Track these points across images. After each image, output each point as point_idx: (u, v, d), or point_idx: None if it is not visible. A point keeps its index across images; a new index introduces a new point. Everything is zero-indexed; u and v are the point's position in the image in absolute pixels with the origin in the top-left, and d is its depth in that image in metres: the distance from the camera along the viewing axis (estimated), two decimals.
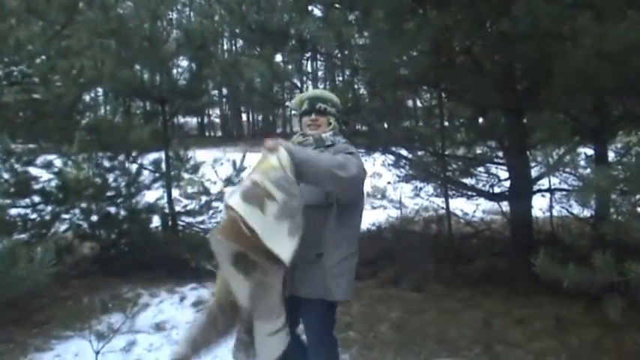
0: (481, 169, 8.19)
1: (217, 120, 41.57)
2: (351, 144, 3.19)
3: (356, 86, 7.82)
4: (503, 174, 7.62)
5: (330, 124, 3.23)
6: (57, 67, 6.14)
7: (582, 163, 4.76)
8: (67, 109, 6.52)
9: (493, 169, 8.02)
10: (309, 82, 14.87)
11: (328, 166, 2.79)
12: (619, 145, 7.15)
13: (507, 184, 7.23)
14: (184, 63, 10.31)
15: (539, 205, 7.67)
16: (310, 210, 2.90)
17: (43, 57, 6.39)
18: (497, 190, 7.84)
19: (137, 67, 9.42)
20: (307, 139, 3.18)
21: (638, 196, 3.84)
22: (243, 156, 8.30)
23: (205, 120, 40.78)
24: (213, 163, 8.57)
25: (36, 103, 6.25)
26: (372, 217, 9.93)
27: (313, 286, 3.07)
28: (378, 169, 11.08)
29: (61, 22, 6.37)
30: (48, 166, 7.23)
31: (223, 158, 8.66)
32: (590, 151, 6.32)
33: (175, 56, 9.30)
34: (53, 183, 7.24)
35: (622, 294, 3.34)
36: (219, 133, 39.11)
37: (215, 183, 8.59)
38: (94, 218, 7.78)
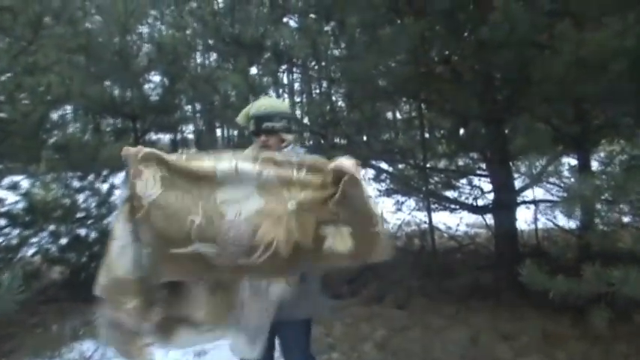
0: (464, 181, 8.22)
1: (191, 136, 41.49)
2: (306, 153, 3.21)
3: (334, 98, 7.86)
4: (487, 186, 7.65)
5: (284, 140, 3.19)
6: (23, 84, 6.10)
7: (566, 173, 4.80)
8: (34, 127, 6.45)
9: (476, 180, 8.06)
10: (286, 95, 14.93)
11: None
12: (602, 154, 7.23)
13: (491, 196, 7.27)
14: (156, 78, 10.31)
15: (523, 217, 7.70)
16: None
17: (9, 74, 6.33)
18: (480, 202, 7.87)
19: (107, 82, 9.39)
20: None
21: (622, 206, 3.89)
22: None
23: (178, 136, 40.73)
24: None
25: (1, 122, 6.17)
26: None
27: (299, 307, 3.06)
28: None
29: (28, 37, 6.32)
30: (14, 187, 7.15)
31: None
32: (573, 161, 6.38)
33: (147, 71, 9.29)
34: (20, 205, 7.15)
35: (608, 305, 3.37)
36: (193, 150, 38.95)
37: None
38: (64, 241, 7.69)
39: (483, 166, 7.58)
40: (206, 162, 2.73)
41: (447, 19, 5.11)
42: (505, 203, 6.57)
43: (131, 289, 2.75)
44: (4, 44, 6.59)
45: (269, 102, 3.25)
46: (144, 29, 10.97)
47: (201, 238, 2.64)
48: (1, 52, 6.28)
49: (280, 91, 9.25)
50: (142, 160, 2.74)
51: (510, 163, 6.48)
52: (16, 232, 7.19)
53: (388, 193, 9.02)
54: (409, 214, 9.08)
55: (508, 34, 4.32)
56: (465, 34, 5.42)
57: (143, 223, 2.69)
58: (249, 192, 2.67)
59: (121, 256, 2.77)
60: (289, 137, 3.20)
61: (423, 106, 7.71)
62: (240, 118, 3.26)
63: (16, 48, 6.50)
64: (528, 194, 7.19)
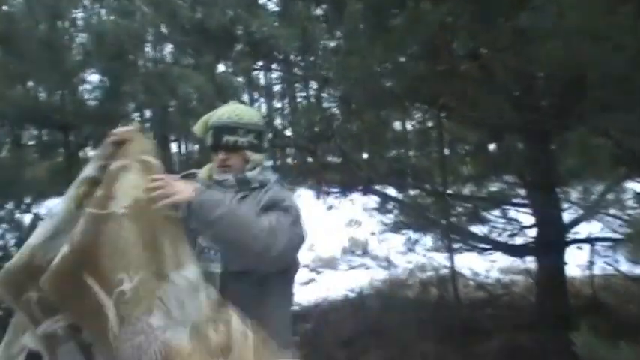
0: (496, 212, 8.19)
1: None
2: (283, 185, 3.12)
3: (326, 103, 7.83)
4: (526, 219, 7.63)
5: (248, 160, 3.07)
6: None
7: (630, 202, 4.75)
8: None
9: (512, 212, 8.02)
10: (262, 99, 14.91)
11: (250, 236, 2.69)
12: None
13: (532, 232, 7.22)
14: (95, 77, 10.26)
15: (574, 260, 7.66)
16: (234, 277, 2.85)
17: None
18: (518, 240, 7.83)
19: (31, 82, 9.33)
20: (227, 180, 3.06)
21: None
22: None
23: None
24: None
25: None
26: (350, 279, 9.91)
27: None
28: (357, 216, 11.06)
29: None
30: None
31: None
32: None
33: (83, 68, 9.24)
34: None
35: None
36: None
37: None
38: None
39: (522, 193, 7.54)
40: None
41: (474, 1, 5.08)
42: (551, 242, 6.53)
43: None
44: None
45: (234, 109, 3.14)
46: (79, 14, 10.97)
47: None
48: None
49: (256, 94, 9.20)
50: (138, 152, 2.78)
51: (558, 190, 6.44)
52: None
53: (397, 227, 8.99)
54: (424, 255, 9.04)
55: (556, 21, 4.28)
56: (499, 21, 5.39)
57: (93, 226, 2.60)
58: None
59: (49, 241, 2.74)
60: (256, 157, 3.10)
61: (442, 114, 7.67)
62: (197, 128, 3.16)
63: None
64: (581, 230, 7.15)
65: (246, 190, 3.02)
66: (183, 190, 2.69)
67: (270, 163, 3.30)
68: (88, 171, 2.85)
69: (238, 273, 2.83)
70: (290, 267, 3.05)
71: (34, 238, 2.77)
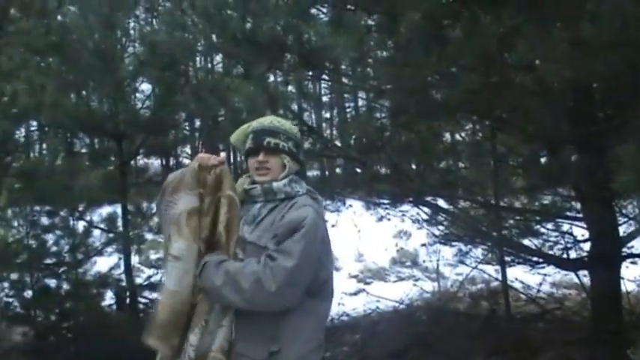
0: (549, 225, 8.10)
1: (187, 161, 41.67)
2: (316, 197, 3.08)
3: (377, 114, 7.82)
4: (581, 233, 7.54)
5: (285, 165, 3.03)
6: None
7: None
8: None
9: (566, 226, 7.94)
10: (311, 109, 14.95)
11: (233, 291, 2.76)
12: None
13: (586, 246, 7.14)
14: (147, 87, 10.40)
15: (631, 275, 7.55)
16: None
17: None
18: (572, 254, 7.74)
19: (85, 92, 9.48)
20: (254, 189, 3.02)
21: None
22: None
23: (172, 162, 40.91)
24: None
25: None
26: (399, 291, 9.85)
27: None
28: (407, 227, 11.02)
29: None
30: None
31: None
32: None
33: (135, 78, 9.37)
34: None
35: None
36: None
37: None
38: (28, 294, 7.72)
39: (577, 206, 7.45)
40: None
41: (531, 10, 5.04)
42: (606, 256, 6.44)
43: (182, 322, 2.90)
44: None
45: (275, 117, 3.20)
46: (132, 24, 11.11)
47: None
48: None
49: (305, 104, 9.25)
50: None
51: (614, 203, 6.36)
52: None
53: (447, 239, 8.94)
54: (475, 267, 8.97)
55: (617, 31, 4.23)
56: (555, 31, 5.35)
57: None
58: None
59: (181, 281, 2.90)
60: (292, 165, 3.05)
61: (495, 125, 7.63)
62: (234, 135, 3.16)
63: None
64: (637, 245, 7.05)
65: (272, 200, 2.99)
66: None
67: (301, 179, 3.23)
68: (189, 202, 2.93)
69: None
70: (310, 285, 2.93)
71: (173, 285, 2.88)
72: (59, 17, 8.75)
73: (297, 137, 3.12)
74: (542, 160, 7.95)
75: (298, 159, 3.10)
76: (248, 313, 2.78)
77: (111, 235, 8.39)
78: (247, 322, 2.77)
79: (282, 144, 3.01)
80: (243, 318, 2.82)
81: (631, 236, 6.57)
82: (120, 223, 8.34)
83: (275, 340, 2.84)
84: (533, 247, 7.97)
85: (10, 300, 7.73)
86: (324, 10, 7.49)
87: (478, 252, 8.93)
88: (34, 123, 12.00)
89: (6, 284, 7.65)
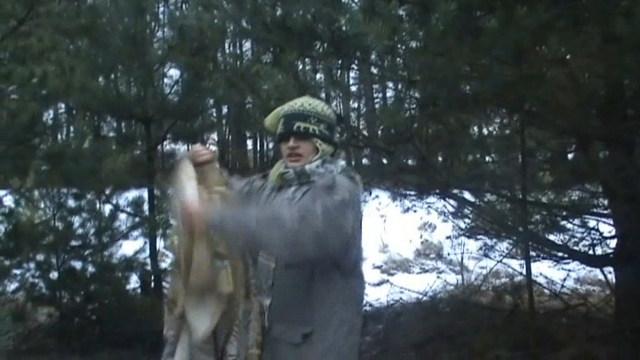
0: (576, 221, 8.06)
1: (214, 147, 41.78)
2: (351, 174, 3.02)
3: (406, 105, 7.81)
4: (607, 229, 7.51)
5: (318, 149, 3.01)
6: (13, 74, 6.21)
7: None
8: (23, 130, 6.57)
9: (593, 222, 7.90)
10: (340, 99, 14.93)
11: (280, 232, 2.68)
12: None
13: (613, 243, 7.11)
14: (175, 72, 10.45)
15: None
16: (288, 272, 2.86)
17: None
18: (598, 251, 7.71)
19: (114, 76, 9.54)
20: (287, 173, 3.03)
21: None
22: None
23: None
24: None
25: None
26: (422, 283, 9.85)
27: None
28: (433, 219, 11.02)
29: (19, 15, 6.46)
30: None
31: None
32: None
33: (164, 62, 9.41)
34: (1, 227, 7.29)
35: None
36: (217, 165, 39.20)
37: None
38: (54, 275, 7.80)
39: (604, 202, 7.42)
40: None
41: (566, 3, 5.03)
42: (632, 253, 6.41)
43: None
44: None
45: (307, 100, 3.14)
46: (162, 9, 11.17)
47: None
48: None
49: (337, 92, 9.25)
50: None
51: None
52: None
53: (472, 232, 8.92)
54: (500, 261, 8.95)
55: None
56: (589, 26, 5.33)
57: None
58: None
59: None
60: (326, 148, 3.03)
61: (524, 119, 7.61)
62: (268, 119, 3.17)
63: (3, 29, 6.65)
64: None
65: (307, 182, 2.96)
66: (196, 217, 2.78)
67: (340, 160, 3.23)
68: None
69: (288, 267, 2.84)
70: (342, 259, 2.94)
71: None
72: (89, 0, 8.83)
73: (329, 119, 3.09)
74: (571, 155, 7.93)
75: (332, 141, 3.09)
76: (281, 296, 2.81)
77: (137, 219, 8.45)
78: (281, 306, 2.81)
79: (313, 127, 3.00)
80: (277, 301, 2.86)
81: None
82: (146, 207, 8.39)
83: (308, 323, 2.86)
84: (559, 243, 7.94)
85: (36, 281, 7.82)
86: None
87: (503, 246, 8.90)
88: (62, 105, 12.13)
89: (32, 265, 7.75)
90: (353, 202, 2.85)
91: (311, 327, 2.86)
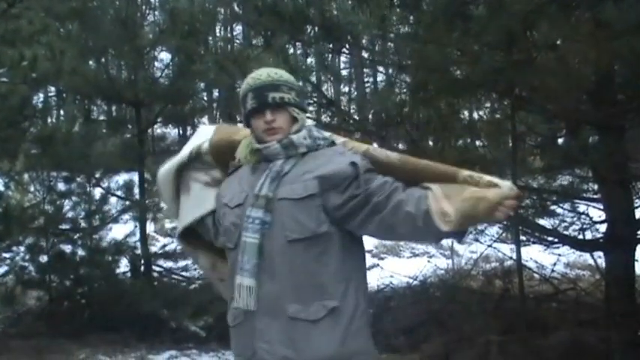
0: (566, 206, 8.12)
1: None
2: (343, 150, 2.83)
3: (397, 90, 7.83)
4: (597, 214, 7.56)
5: (297, 118, 2.80)
6: (3, 57, 6.21)
7: None
8: (13, 113, 6.57)
9: (582, 206, 7.95)
10: (331, 83, 14.94)
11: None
12: None
13: (602, 228, 7.15)
14: (166, 56, 10.44)
15: None
16: (293, 248, 2.69)
17: None
18: (588, 235, 7.77)
19: (104, 59, 9.53)
20: (269, 147, 2.76)
21: None
22: None
23: (189, 131, 40.92)
24: None
25: None
26: (412, 268, 9.89)
27: (322, 353, 2.74)
28: None
29: None
30: None
31: None
32: None
33: (155, 46, 9.40)
34: None
35: None
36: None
37: None
38: (44, 259, 7.82)
39: (594, 187, 7.47)
40: None
41: None
42: (622, 238, 6.46)
43: None
44: None
45: (270, 70, 2.89)
46: None
47: None
48: None
49: (329, 76, 9.27)
50: None
51: (631, 186, 6.37)
52: None
53: None
54: (490, 245, 9.00)
55: None
56: (579, 11, 5.37)
57: None
58: None
59: None
60: (303, 116, 2.84)
61: (515, 104, 7.64)
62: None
63: None
64: None
65: (294, 155, 2.76)
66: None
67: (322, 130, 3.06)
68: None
69: (292, 243, 2.66)
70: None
71: None
72: None
73: (297, 85, 2.88)
74: (561, 140, 7.98)
75: (304, 108, 2.91)
76: (290, 275, 2.66)
77: (127, 202, 8.47)
78: (291, 285, 2.65)
79: (287, 96, 2.75)
80: (284, 281, 2.69)
81: None
82: (136, 191, 8.40)
83: (330, 297, 2.72)
84: (549, 227, 8.00)
85: (26, 264, 7.84)
86: None
87: (493, 230, 8.95)
88: (52, 89, 12.12)
89: (22, 248, 7.77)
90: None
91: (333, 301, 2.71)
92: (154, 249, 8.62)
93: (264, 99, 2.73)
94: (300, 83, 7.51)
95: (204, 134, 3.04)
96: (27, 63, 6.39)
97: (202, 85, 10.64)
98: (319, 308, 2.68)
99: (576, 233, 7.90)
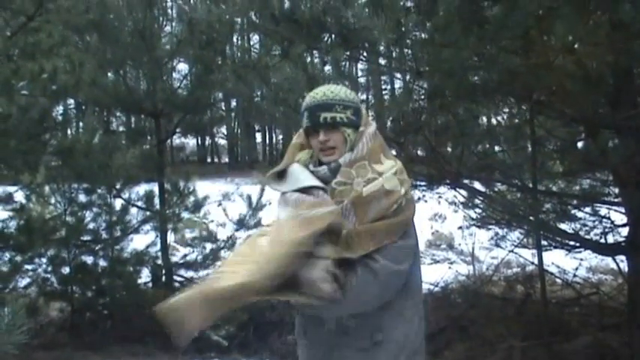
0: (587, 210, 8.08)
1: (223, 141, 41.85)
2: (404, 177, 2.85)
3: (414, 96, 7.83)
4: (619, 217, 7.52)
5: (346, 140, 2.84)
6: (22, 70, 6.26)
7: None
8: (33, 125, 6.63)
9: (604, 210, 7.91)
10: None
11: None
12: None
13: (625, 231, 7.12)
14: (184, 66, 10.50)
15: None
16: None
17: (4, 57, 6.52)
18: (610, 239, 7.72)
19: (123, 70, 9.60)
20: (320, 172, 2.85)
21: None
22: (262, 190, 8.35)
23: (207, 141, 41.05)
24: (220, 199, 8.63)
25: None
26: (434, 274, 9.86)
27: None
28: (444, 210, 11.04)
29: (28, 11, 6.52)
30: (6, 200, 7.36)
31: (234, 192, 8.73)
32: None
33: (173, 56, 9.46)
34: (12, 223, 7.35)
35: None
36: (226, 159, 39.40)
37: (224, 225, 8.65)
38: (65, 270, 7.87)
39: (615, 190, 7.43)
40: None
41: None
42: None
43: None
44: None
45: (328, 88, 2.95)
46: (170, 3, 11.21)
47: None
48: None
49: (346, 84, 9.26)
50: None
51: None
52: (6, 256, 7.40)
53: (483, 222, 8.94)
54: (511, 251, 8.97)
55: None
56: (597, 13, 5.35)
57: None
58: None
59: None
60: (353, 135, 2.86)
61: (533, 108, 7.62)
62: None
63: (13, 25, 6.71)
64: None
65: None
66: None
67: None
68: None
69: None
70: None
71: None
72: None
73: (354, 102, 2.90)
74: (581, 144, 7.94)
75: (359, 127, 2.89)
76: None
77: (148, 213, 8.51)
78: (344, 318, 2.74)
79: (340, 116, 2.82)
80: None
81: None
82: (157, 201, 8.45)
83: (377, 329, 2.79)
84: (571, 232, 7.95)
85: (48, 276, 7.90)
86: None
87: (514, 235, 8.93)
88: (72, 101, 12.20)
89: (44, 260, 7.82)
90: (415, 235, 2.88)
91: (381, 334, 2.78)
92: (174, 259, 8.66)
93: (316, 119, 2.83)
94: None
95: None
96: (47, 75, 6.44)
97: (220, 94, 10.70)
98: (366, 340, 2.77)
99: (598, 237, 7.86)
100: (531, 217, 7.76)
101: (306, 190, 2.81)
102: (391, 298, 2.76)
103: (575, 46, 5.78)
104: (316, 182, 2.80)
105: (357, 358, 2.80)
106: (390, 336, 2.77)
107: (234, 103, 25.73)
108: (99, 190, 8.19)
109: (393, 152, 8.02)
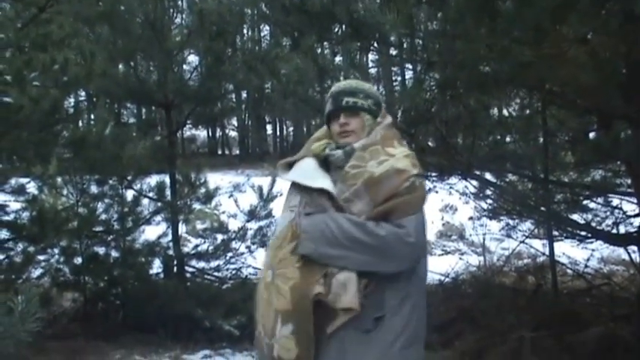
0: (599, 200, 8.05)
1: (234, 133, 41.85)
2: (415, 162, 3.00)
3: (425, 87, 7.80)
4: (631, 208, 7.50)
5: (364, 127, 3.03)
6: (34, 61, 6.26)
7: None
8: (45, 117, 6.63)
9: (616, 200, 7.88)
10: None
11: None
12: None
13: (636, 222, 7.09)
14: (195, 57, 10.49)
15: None
16: None
17: (15, 48, 6.52)
18: (621, 230, 7.70)
19: (134, 61, 9.59)
20: (333, 155, 3.02)
21: None
22: (273, 181, 8.35)
23: (218, 132, 41.02)
24: (232, 191, 8.62)
25: (6, 110, 6.36)
26: (444, 264, 9.86)
27: None
28: (454, 201, 11.02)
29: (39, 3, 6.51)
30: (19, 191, 7.36)
31: (245, 183, 8.73)
32: None
33: (184, 48, 9.44)
34: (25, 214, 7.36)
35: None
36: (236, 151, 39.38)
37: (235, 216, 8.65)
38: (78, 261, 7.89)
39: (627, 181, 7.40)
40: None
41: None
42: None
43: None
44: (9, 11, 6.80)
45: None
46: None
47: None
48: (6, 20, 6.47)
49: (357, 75, 9.24)
50: None
51: None
52: (19, 247, 7.42)
53: (494, 213, 8.92)
54: (522, 241, 8.95)
55: None
56: (610, 3, 5.32)
57: None
58: None
59: None
60: (373, 124, 3.05)
61: (546, 99, 7.59)
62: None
63: (25, 16, 6.70)
64: None
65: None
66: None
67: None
68: None
69: None
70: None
71: None
72: None
73: (376, 96, 3.14)
74: (592, 134, 7.91)
75: (378, 116, 3.09)
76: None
77: (159, 204, 8.51)
78: None
79: (361, 102, 3.03)
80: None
81: None
82: (168, 192, 8.45)
83: (379, 308, 2.86)
84: (582, 222, 7.92)
85: (61, 266, 7.92)
86: None
87: (525, 226, 8.91)
88: (83, 92, 12.22)
89: (56, 251, 7.84)
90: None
91: (382, 311, 2.85)
92: (186, 249, 8.66)
93: (339, 103, 3.02)
94: (329, 82, 7.54)
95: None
96: (58, 67, 6.44)
97: (231, 86, 10.66)
98: (368, 319, 2.85)
99: (609, 228, 7.83)
100: (542, 208, 7.75)
101: (308, 192, 2.96)
102: (407, 268, 2.88)
103: (589, 36, 5.76)
104: (324, 184, 2.92)
105: (356, 341, 2.85)
106: (391, 318, 2.86)
107: (244, 95, 25.72)
108: (110, 182, 8.19)
109: (405, 143, 8.06)
